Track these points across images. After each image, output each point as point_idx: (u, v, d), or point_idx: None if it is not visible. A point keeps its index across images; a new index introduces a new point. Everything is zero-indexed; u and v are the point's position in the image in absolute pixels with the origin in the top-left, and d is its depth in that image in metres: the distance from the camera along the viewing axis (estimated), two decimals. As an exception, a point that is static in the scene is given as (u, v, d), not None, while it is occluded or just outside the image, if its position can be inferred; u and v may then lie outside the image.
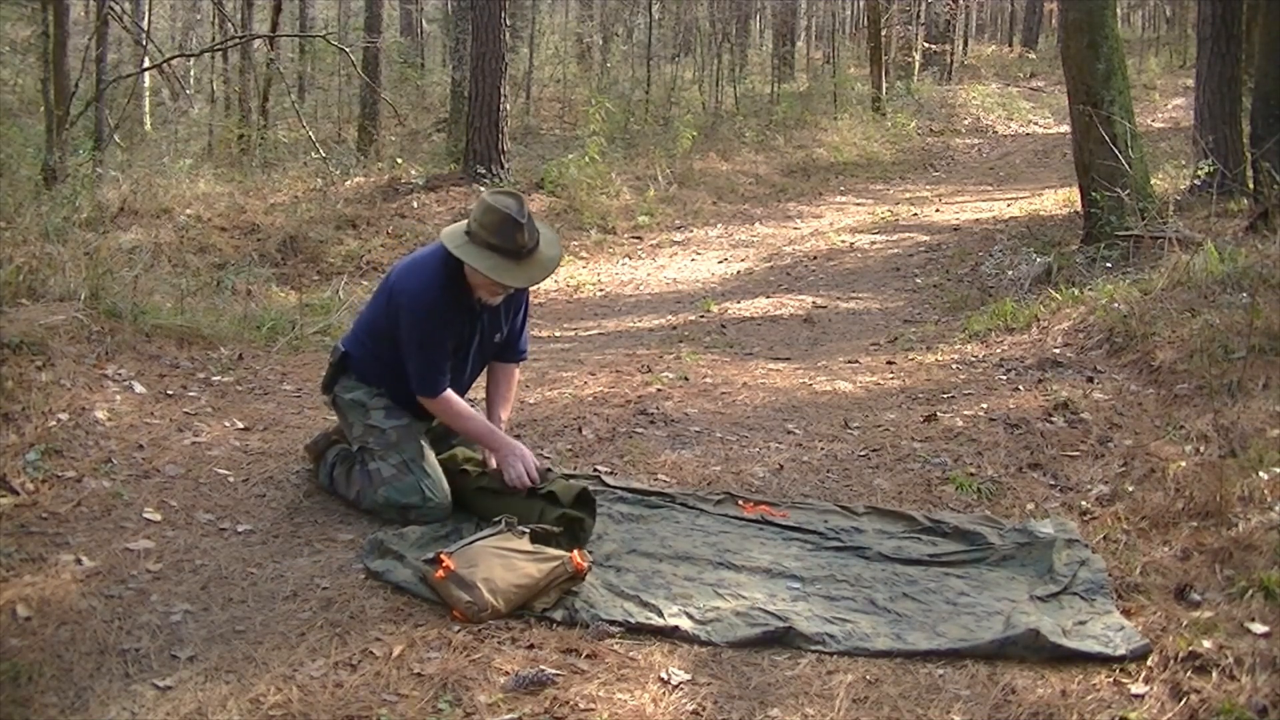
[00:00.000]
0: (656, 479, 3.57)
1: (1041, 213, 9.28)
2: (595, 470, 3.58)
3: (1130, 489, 3.36)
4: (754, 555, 2.99)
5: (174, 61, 12.12)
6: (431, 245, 3.25)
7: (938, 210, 10.49)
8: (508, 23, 11.01)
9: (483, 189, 9.99)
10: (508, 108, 10.66)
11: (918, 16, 17.83)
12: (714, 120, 14.19)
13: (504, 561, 2.69)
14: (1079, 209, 7.34)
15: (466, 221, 3.13)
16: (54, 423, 3.44)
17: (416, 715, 2.27)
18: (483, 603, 2.61)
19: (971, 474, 3.60)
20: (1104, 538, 3.09)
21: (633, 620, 2.63)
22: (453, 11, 15.32)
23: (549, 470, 3.23)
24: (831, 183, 12.22)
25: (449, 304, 3.13)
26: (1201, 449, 3.53)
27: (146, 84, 12.38)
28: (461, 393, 3.36)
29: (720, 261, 8.83)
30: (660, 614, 2.65)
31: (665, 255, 9.17)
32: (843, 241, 9.25)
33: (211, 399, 4.08)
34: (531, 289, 3.54)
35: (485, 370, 3.48)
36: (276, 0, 12.70)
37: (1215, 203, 6.70)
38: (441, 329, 3.13)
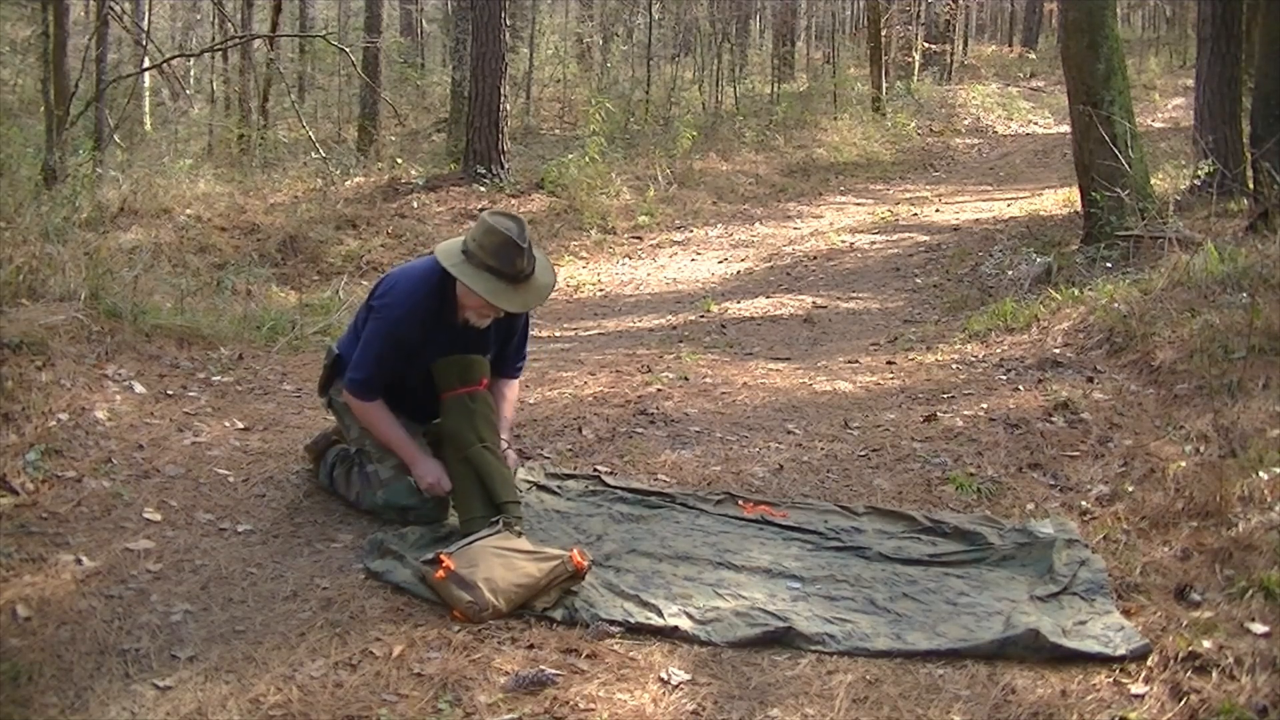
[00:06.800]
0: (656, 479, 3.57)
1: (1041, 213, 9.27)
2: (595, 470, 3.58)
3: (1130, 489, 3.36)
4: (754, 555, 2.99)
5: (174, 61, 12.13)
6: (428, 256, 3.21)
7: (937, 210, 10.49)
8: (508, 23, 11.02)
9: (482, 188, 10.01)
10: (508, 108, 10.67)
11: (918, 16, 17.82)
12: (714, 120, 14.19)
13: (504, 561, 2.69)
14: (1079, 209, 7.34)
15: (463, 239, 3.08)
16: (54, 423, 3.44)
17: (416, 715, 2.27)
18: (483, 602, 2.61)
19: (971, 474, 3.60)
20: (1104, 538, 3.09)
21: (633, 620, 2.63)
22: (453, 11, 15.33)
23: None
24: (831, 183, 12.21)
25: (423, 319, 3.10)
26: (1201, 449, 3.53)
27: (146, 84, 12.38)
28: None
29: (720, 261, 8.83)
30: (660, 614, 2.65)
31: (665, 255, 9.17)
32: (843, 241, 9.25)
33: (211, 399, 4.08)
34: None
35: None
36: (276, 0, 12.71)
37: (1215, 203, 6.69)
38: (400, 345, 3.09)
